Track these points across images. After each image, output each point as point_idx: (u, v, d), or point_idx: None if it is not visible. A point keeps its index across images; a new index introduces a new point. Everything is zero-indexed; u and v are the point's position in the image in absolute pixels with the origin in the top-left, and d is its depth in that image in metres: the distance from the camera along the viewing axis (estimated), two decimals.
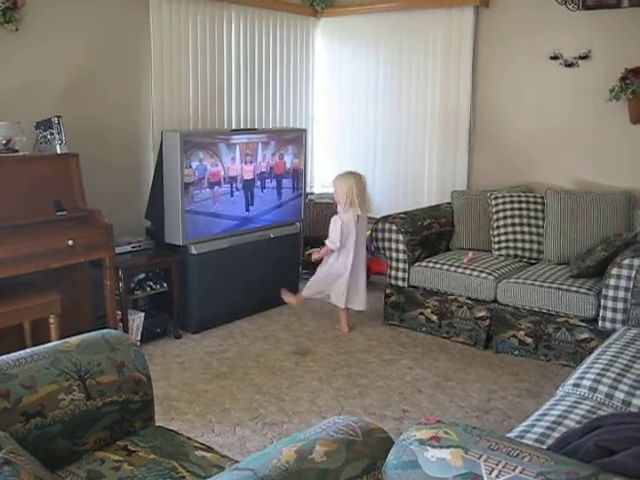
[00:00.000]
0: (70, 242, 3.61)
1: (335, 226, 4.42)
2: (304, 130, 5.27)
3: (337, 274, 4.48)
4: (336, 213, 4.50)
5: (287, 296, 4.71)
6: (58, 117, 3.83)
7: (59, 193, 3.81)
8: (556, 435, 1.96)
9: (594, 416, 2.10)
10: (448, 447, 1.21)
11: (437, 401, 3.55)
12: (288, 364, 4.02)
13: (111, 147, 4.49)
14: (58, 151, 3.85)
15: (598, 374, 2.46)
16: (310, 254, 5.66)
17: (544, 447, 1.84)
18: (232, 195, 4.66)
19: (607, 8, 4.56)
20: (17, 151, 3.70)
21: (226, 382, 3.74)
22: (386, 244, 4.60)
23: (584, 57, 4.71)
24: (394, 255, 4.58)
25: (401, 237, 4.54)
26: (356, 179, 4.42)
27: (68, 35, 4.16)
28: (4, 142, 3.66)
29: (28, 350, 2.01)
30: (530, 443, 1.90)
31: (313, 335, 4.51)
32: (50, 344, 2.09)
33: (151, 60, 4.60)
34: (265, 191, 4.91)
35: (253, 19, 5.31)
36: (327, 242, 4.47)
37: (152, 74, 4.62)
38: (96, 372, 2.01)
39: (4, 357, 1.93)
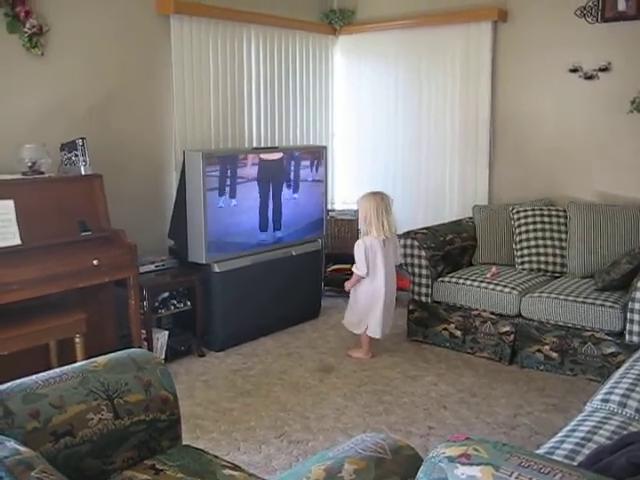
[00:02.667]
0: (95, 262, 3.64)
1: (358, 250, 4.27)
2: (324, 147, 5.30)
3: (372, 302, 4.30)
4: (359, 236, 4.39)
5: (354, 352, 4.43)
6: (82, 139, 3.89)
7: (84, 214, 3.86)
8: (586, 451, 1.94)
9: (625, 432, 2.07)
10: (478, 464, 1.19)
11: (463, 417, 3.53)
12: (312, 381, 4.01)
13: (134, 167, 4.55)
14: (82, 172, 3.91)
15: (627, 389, 2.43)
16: (333, 270, 5.69)
17: (575, 464, 1.82)
18: (254, 213, 4.69)
19: (626, 20, 4.55)
20: (43, 173, 3.76)
21: (251, 400, 3.75)
22: (408, 260, 4.59)
23: (604, 69, 4.69)
24: (417, 271, 4.57)
25: (423, 253, 4.53)
26: (377, 200, 4.25)
27: (91, 58, 4.24)
28: (30, 164, 3.73)
29: (57, 370, 2.03)
30: (560, 460, 1.88)
31: (336, 352, 4.50)
32: (78, 364, 2.12)
33: (173, 80, 4.66)
34: (286, 208, 4.93)
35: (272, 38, 5.36)
36: (354, 269, 4.33)
37: (174, 94, 4.68)
38: (124, 391, 2.03)
39: (33, 377, 1.95)
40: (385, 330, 4.39)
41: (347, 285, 4.47)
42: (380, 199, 4.28)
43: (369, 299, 4.33)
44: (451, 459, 1.22)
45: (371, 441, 1.47)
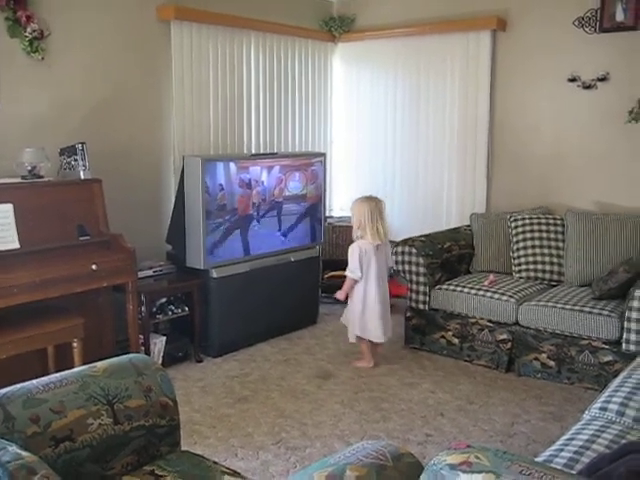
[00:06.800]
0: (93, 267, 3.64)
1: (352, 254, 4.24)
2: (323, 154, 5.30)
3: (366, 306, 4.26)
4: (353, 240, 4.34)
5: (357, 362, 4.39)
6: (82, 144, 3.90)
7: (82, 218, 3.86)
8: (585, 460, 1.94)
9: (623, 441, 2.08)
10: (480, 472, 1.20)
11: (460, 425, 3.53)
12: (310, 388, 4.01)
13: (133, 172, 4.55)
14: (82, 177, 3.91)
15: (625, 397, 2.44)
16: (330, 277, 5.69)
17: (573, 472, 1.83)
18: (252, 219, 4.69)
19: (624, 31, 4.58)
20: (42, 177, 3.76)
21: (248, 406, 3.74)
22: (406, 267, 4.59)
23: (602, 79, 4.71)
24: (414, 278, 4.57)
25: (421, 260, 4.53)
26: (370, 205, 4.20)
27: (92, 63, 4.24)
28: (29, 168, 3.73)
29: (57, 375, 2.03)
30: (559, 468, 1.88)
31: (334, 358, 4.50)
32: (78, 369, 2.11)
33: (172, 86, 4.67)
34: (285, 215, 4.93)
35: (272, 45, 5.38)
36: (347, 272, 4.29)
37: (173, 100, 4.69)
38: (124, 397, 2.03)
39: (34, 382, 1.95)
40: (387, 333, 4.37)
41: (340, 294, 4.39)
42: (374, 204, 4.24)
43: (363, 304, 4.28)
44: (452, 467, 1.23)
45: (372, 448, 1.47)
